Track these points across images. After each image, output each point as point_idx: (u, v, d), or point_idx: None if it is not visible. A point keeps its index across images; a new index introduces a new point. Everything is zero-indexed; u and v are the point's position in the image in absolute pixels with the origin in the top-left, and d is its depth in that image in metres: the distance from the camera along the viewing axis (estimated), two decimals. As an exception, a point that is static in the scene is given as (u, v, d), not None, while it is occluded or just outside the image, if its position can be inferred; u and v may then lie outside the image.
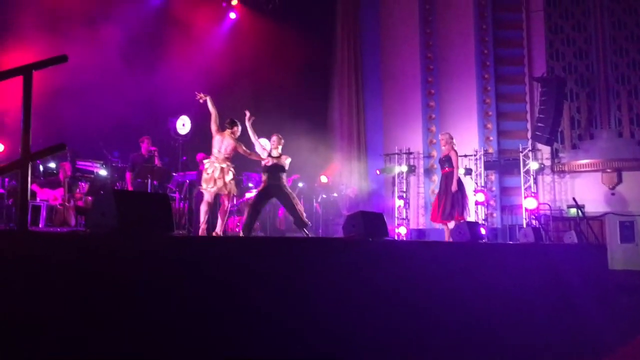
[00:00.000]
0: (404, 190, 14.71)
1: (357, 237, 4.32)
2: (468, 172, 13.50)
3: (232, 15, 13.96)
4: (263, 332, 3.03)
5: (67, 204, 8.61)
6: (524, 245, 7.46)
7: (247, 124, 7.21)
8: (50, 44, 8.48)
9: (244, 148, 7.04)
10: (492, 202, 14.40)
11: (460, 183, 8.08)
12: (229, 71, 11.74)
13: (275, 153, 7.25)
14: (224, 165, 6.76)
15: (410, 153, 14.96)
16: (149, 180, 8.46)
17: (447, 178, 8.14)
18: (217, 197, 6.92)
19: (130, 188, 8.63)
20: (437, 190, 8.92)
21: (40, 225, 7.99)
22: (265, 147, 7.46)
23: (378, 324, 3.86)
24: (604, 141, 14.01)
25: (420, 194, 15.15)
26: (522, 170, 13.78)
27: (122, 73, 9.77)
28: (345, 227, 4.49)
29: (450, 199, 7.94)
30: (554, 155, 14.36)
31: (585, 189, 13.85)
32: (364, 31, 16.13)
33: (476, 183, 13.84)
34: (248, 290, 3.04)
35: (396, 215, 14.37)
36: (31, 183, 3.01)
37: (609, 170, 13.68)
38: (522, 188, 13.70)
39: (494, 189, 14.61)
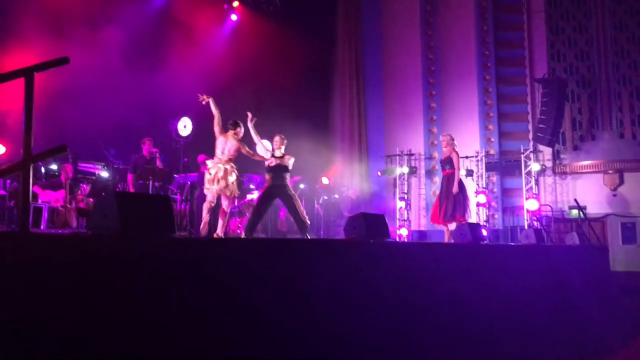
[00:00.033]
0: (405, 191, 14.70)
1: (358, 238, 4.32)
2: (469, 173, 13.50)
3: (234, 17, 13.98)
4: (263, 332, 3.04)
5: (68, 206, 8.61)
6: (526, 246, 7.45)
7: (250, 124, 7.22)
8: (52, 45, 8.49)
9: (247, 149, 7.06)
10: (493, 204, 14.40)
11: (461, 184, 8.08)
12: (230, 73, 11.76)
13: (278, 153, 7.26)
14: (228, 167, 6.78)
15: (412, 154, 14.96)
16: (151, 182, 8.47)
17: (448, 179, 8.14)
18: (218, 197, 6.94)
19: (131, 190, 8.65)
20: (438, 192, 8.91)
21: (41, 227, 8.00)
22: (267, 148, 7.47)
23: (379, 324, 3.86)
24: (605, 142, 13.99)
25: (422, 196, 15.14)
26: (523, 172, 13.77)
27: (123, 75, 9.78)
28: (347, 229, 4.49)
29: (452, 201, 7.93)
30: (556, 156, 14.35)
31: (586, 190, 13.83)
32: (365, 32, 16.13)
33: (477, 184, 13.84)
34: (249, 291, 3.05)
35: (397, 216, 14.36)
36: (33, 185, 3.02)
37: (610, 172, 13.66)
38: (524, 189, 13.69)
39: (495, 190, 14.60)
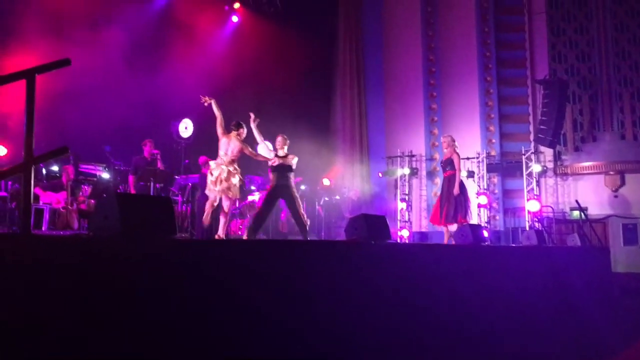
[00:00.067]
0: (407, 192, 14.69)
1: (359, 239, 4.32)
2: (470, 174, 13.50)
3: (235, 19, 14.00)
4: (264, 333, 3.04)
5: (70, 207, 8.62)
6: (527, 247, 7.44)
7: (252, 125, 7.25)
8: (53, 47, 8.51)
9: (250, 149, 7.08)
10: (494, 205, 14.39)
11: (462, 186, 8.08)
12: (231, 74, 11.77)
13: (281, 153, 7.28)
14: (231, 168, 6.79)
15: (413, 156, 14.95)
16: (152, 184, 8.48)
17: (449, 181, 8.14)
18: (220, 199, 6.95)
19: (133, 191, 8.66)
20: (439, 193, 8.91)
21: (43, 229, 8.01)
22: (264, 152, 7.49)
23: (379, 325, 3.86)
24: (606, 143, 13.98)
25: (423, 197, 15.14)
26: (524, 173, 13.76)
27: (124, 76, 9.80)
28: (348, 230, 4.48)
29: (453, 202, 7.93)
30: (557, 157, 14.33)
31: (588, 192, 13.82)
32: (366, 34, 16.14)
33: (479, 185, 13.84)
34: (250, 292, 3.05)
35: (398, 218, 14.36)
36: (34, 186, 3.02)
37: (611, 173, 13.65)
38: (525, 190, 13.68)
39: (496, 191, 14.60)
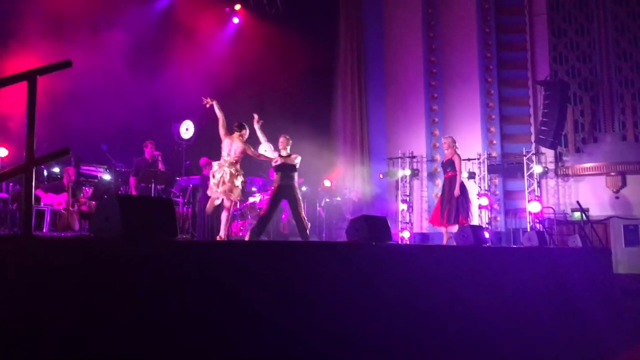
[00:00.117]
0: (408, 194, 14.69)
1: (360, 241, 4.32)
2: (471, 175, 13.48)
3: (235, 20, 14.02)
4: (264, 334, 3.04)
5: (71, 209, 8.63)
6: (528, 249, 7.44)
7: (256, 126, 7.27)
8: (55, 49, 8.52)
9: (252, 150, 7.10)
10: (495, 206, 14.38)
11: (463, 187, 8.08)
12: (231, 76, 11.78)
13: (284, 153, 7.28)
14: (232, 170, 6.80)
15: (414, 157, 14.94)
16: (153, 185, 8.49)
17: (450, 182, 8.15)
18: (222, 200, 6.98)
19: (134, 192, 8.67)
20: (440, 194, 8.91)
21: (44, 230, 8.01)
22: (267, 152, 7.49)
23: (380, 326, 3.86)
24: (607, 145, 13.97)
25: (424, 198, 15.13)
26: (525, 174, 13.75)
27: (125, 78, 9.81)
28: (349, 231, 4.49)
29: (455, 204, 7.93)
30: (558, 158, 14.32)
31: (589, 193, 13.81)
32: (367, 35, 16.14)
33: (480, 187, 13.83)
34: (250, 293, 3.05)
35: (399, 219, 14.34)
36: (35, 188, 3.02)
37: (613, 174, 13.64)
38: (526, 192, 13.68)
39: (497, 192, 14.59)
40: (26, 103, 2.58)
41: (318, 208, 11.94)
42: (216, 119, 7.02)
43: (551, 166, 14.29)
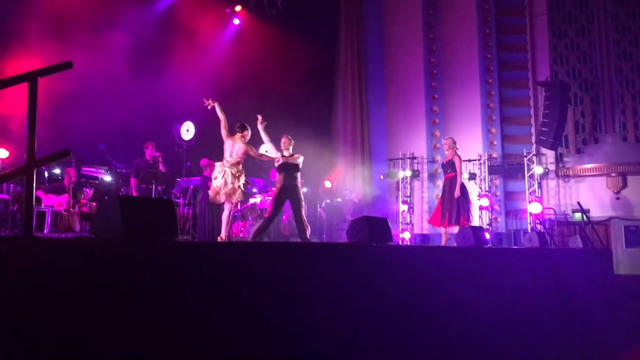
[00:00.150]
0: (408, 195, 14.69)
1: (361, 242, 4.32)
2: (472, 176, 13.48)
3: (236, 21, 14.03)
4: (265, 335, 3.04)
5: (71, 210, 8.64)
6: (529, 250, 7.44)
7: (260, 127, 7.26)
8: (56, 50, 8.53)
9: (254, 151, 7.11)
10: (496, 207, 14.38)
11: (463, 188, 8.08)
12: (232, 77, 11.79)
13: (286, 154, 7.28)
14: (234, 171, 6.81)
15: (414, 158, 14.95)
16: (154, 186, 8.49)
17: (450, 183, 8.14)
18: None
19: (134, 194, 8.67)
20: (440, 195, 8.91)
21: (45, 231, 8.01)
22: (269, 152, 7.49)
23: (381, 327, 3.86)
24: (608, 145, 13.96)
25: (424, 199, 15.13)
26: (526, 175, 13.75)
27: (126, 79, 9.82)
28: (349, 232, 4.49)
29: (456, 205, 7.93)
30: (559, 159, 14.31)
31: (590, 194, 13.80)
32: (367, 36, 16.15)
33: (480, 188, 13.82)
34: (251, 294, 3.05)
35: (400, 220, 14.35)
36: (36, 189, 3.03)
37: (613, 175, 13.63)
38: (527, 192, 13.67)
39: (498, 193, 14.59)
40: (27, 104, 2.58)
41: (319, 209, 11.94)
42: (217, 120, 7.02)
43: (552, 167, 14.28)
